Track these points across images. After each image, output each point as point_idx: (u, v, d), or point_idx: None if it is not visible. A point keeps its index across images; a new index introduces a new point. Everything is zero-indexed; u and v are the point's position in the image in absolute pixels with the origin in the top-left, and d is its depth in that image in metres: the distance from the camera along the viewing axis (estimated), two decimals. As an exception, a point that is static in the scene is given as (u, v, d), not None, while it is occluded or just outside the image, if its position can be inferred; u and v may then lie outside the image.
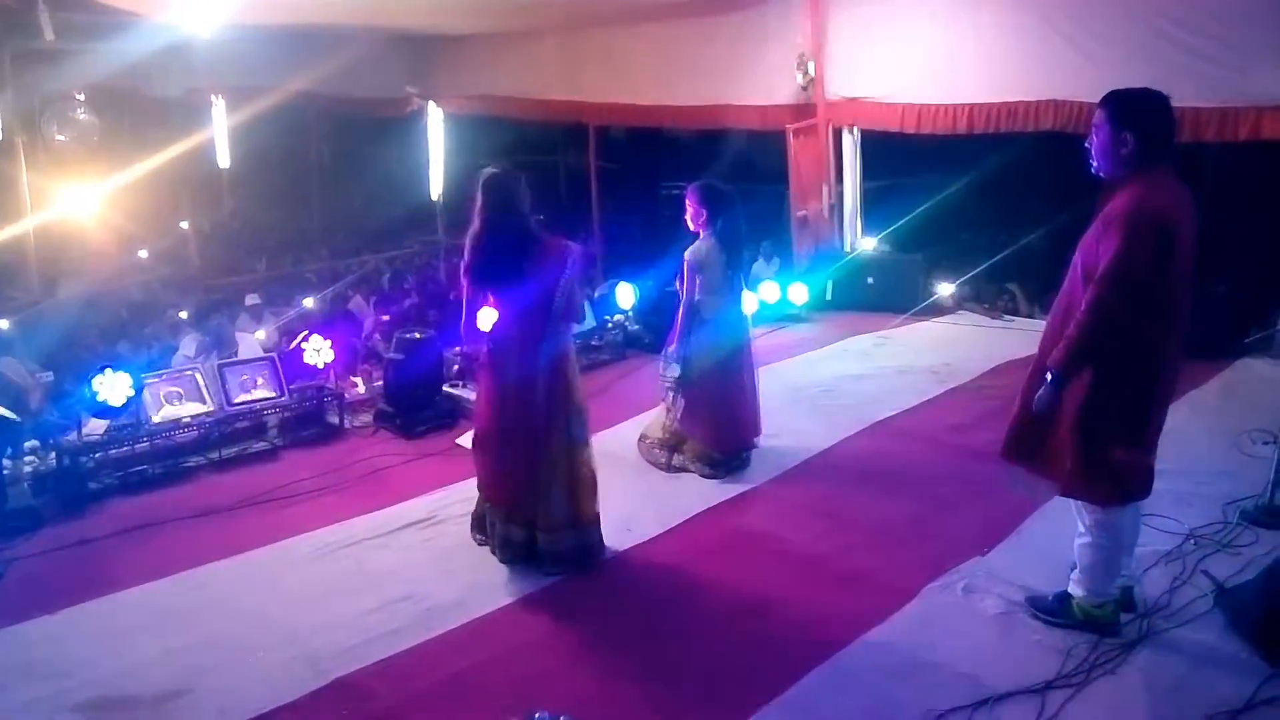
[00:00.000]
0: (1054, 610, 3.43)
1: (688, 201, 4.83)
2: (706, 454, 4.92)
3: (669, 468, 4.96)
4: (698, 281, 4.79)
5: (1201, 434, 5.10)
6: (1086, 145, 3.12)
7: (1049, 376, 3.06)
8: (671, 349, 4.90)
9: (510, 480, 3.99)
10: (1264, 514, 4.18)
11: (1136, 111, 2.99)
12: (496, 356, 3.93)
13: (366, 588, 3.90)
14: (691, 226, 4.86)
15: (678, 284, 5.03)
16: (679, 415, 4.92)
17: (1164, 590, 3.62)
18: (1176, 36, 6.40)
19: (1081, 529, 3.27)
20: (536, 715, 1.10)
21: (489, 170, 3.89)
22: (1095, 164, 3.10)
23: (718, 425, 4.92)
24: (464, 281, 3.96)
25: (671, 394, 4.93)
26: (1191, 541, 4.01)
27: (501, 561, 4.04)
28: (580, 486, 4.01)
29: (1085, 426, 3.09)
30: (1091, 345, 2.98)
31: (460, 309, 4.12)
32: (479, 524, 4.22)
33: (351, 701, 3.18)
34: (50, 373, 6.25)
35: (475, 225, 3.84)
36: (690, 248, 4.82)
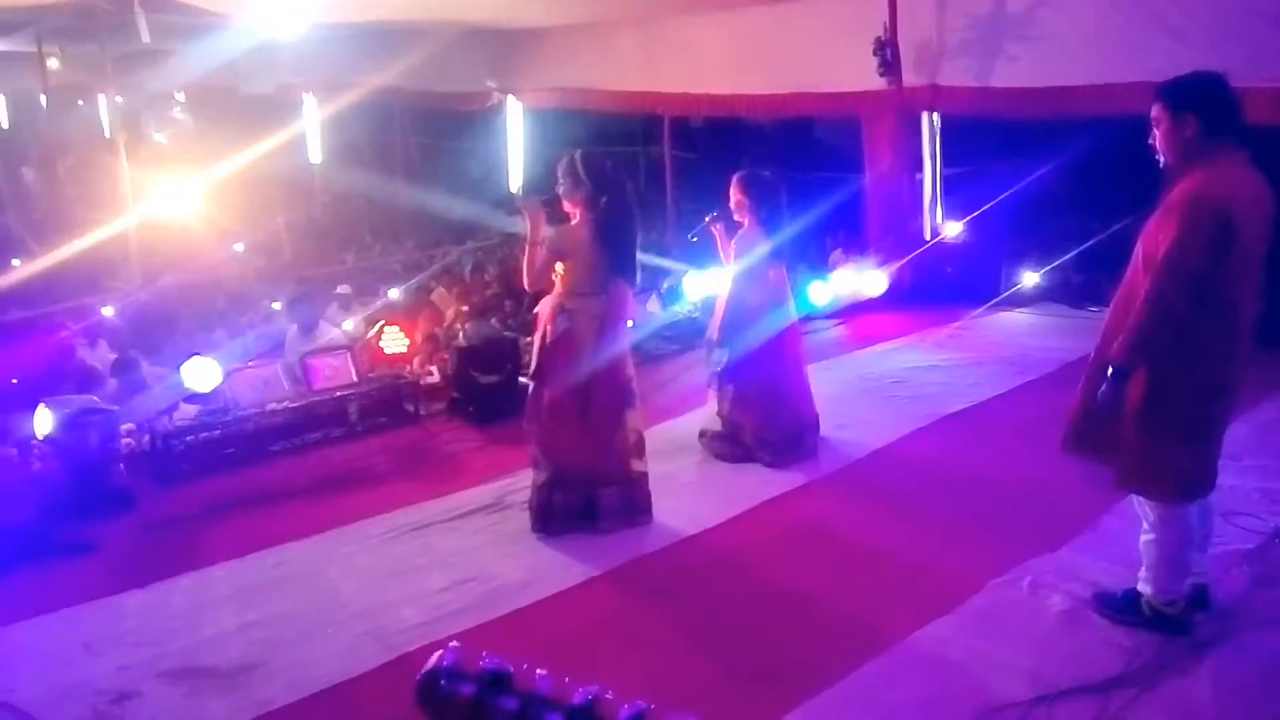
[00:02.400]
0: (1122, 608, 3.34)
1: (732, 191, 4.86)
2: (761, 437, 4.92)
3: (733, 458, 4.97)
4: (741, 269, 4.83)
5: (1292, 429, 4.88)
6: (1150, 142, 3.04)
7: (1110, 371, 2.99)
8: (713, 336, 4.95)
9: (588, 442, 4.18)
10: (1356, 513, 3.99)
11: (1193, 93, 2.93)
12: (594, 327, 4.13)
13: (435, 568, 4.04)
14: (735, 216, 4.89)
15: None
16: (729, 402, 4.94)
17: (1243, 590, 3.50)
18: (1268, 12, 6.08)
19: (1145, 525, 3.19)
20: (451, 644, 1.19)
21: (592, 151, 4.20)
22: (1161, 157, 3.02)
23: (768, 408, 4.94)
24: (568, 245, 4.10)
25: (718, 381, 4.95)
26: (1277, 540, 3.84)
27: (550, 534, 4.20)
28: (630, 446, 4.28)
29: (1143, 422, 3.01)
30: (1152, 338, 2.90)
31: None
32: (528, 504, 4.34)
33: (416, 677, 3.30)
34: (147, 359, 6.57)
35: (602, 201, 4.06)
36: (735, 236, 4.85)
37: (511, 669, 1.24)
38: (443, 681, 1.21)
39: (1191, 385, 2.98)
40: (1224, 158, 2.90)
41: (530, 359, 4.38)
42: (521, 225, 4.26)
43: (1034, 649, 3.25)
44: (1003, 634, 3.36)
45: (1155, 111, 3.00)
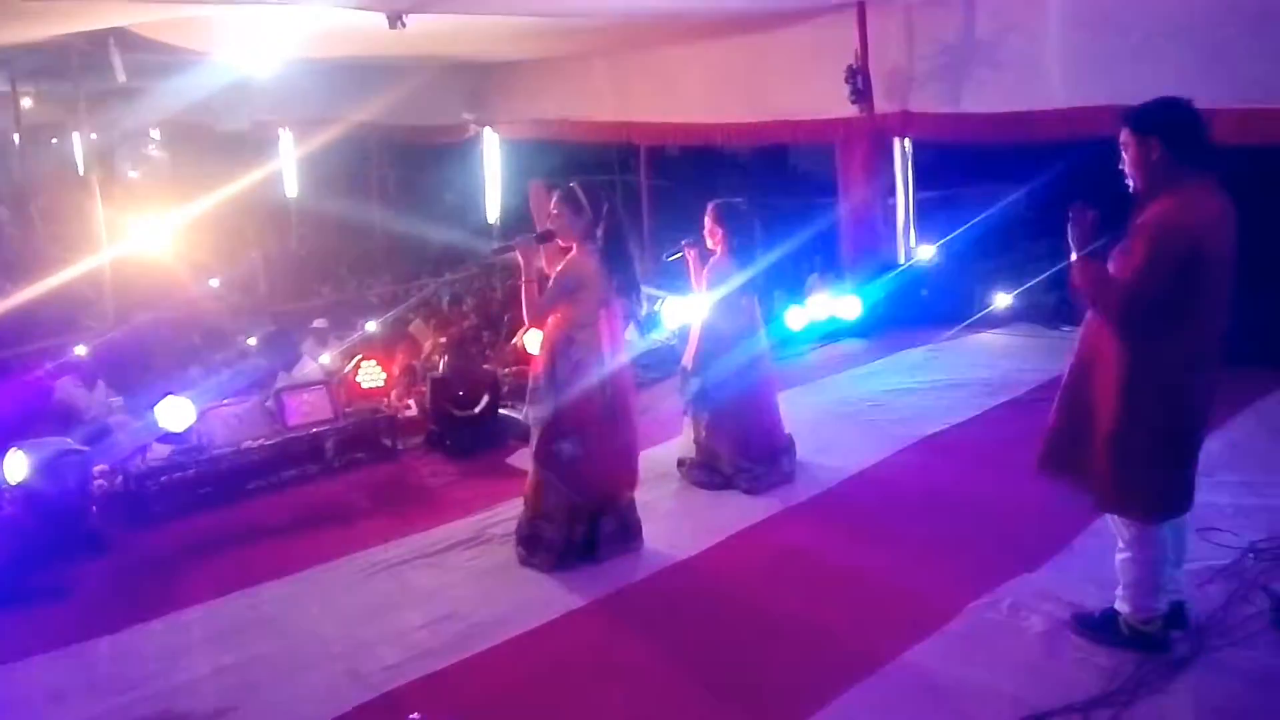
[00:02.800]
0: (1100, 627, 3.35)
1: (705, 219, 4.91)
2: (737, 464, 4.94)
3: (712, 486, 4.97)
4: (714, 297, 4.88)
5: (1266, 444, 4.93)
6: (1120, 168, 3.11)
7: (1076, 257, 3.11)
8: (687, 365, 4.98)
9: (618, 465, 4.26)
10: (1330, 527, 4.03)
11: (1157, 118, 3.00)
12: (600, 353, 4.14)
13: (412, 605, 3.99)
14: (709, 244, 4.94)
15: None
16: (705, 430, 4.96)
17: (1219, 607, 3.52)
18: (1239, 39, 6.19)
19: (1121, 544, 3.21)
20: (413, 715, 1.16)
21: (586, 180, 4.30)
22: (1131, 183, 3.08)
23: (741, 434, 4.96)
24: (575, 281, 4.08)
25: (693, 409, 4.97)
26: (1251, 556, 3.87)
27: (552, 570, 4.15)
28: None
29: (1117, 444, 3.05)
30: (1103, 310, 3.04)
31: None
32: (532, 542, 4.25)
33: (396, 716, 3.25)
34: (120, 397, 6.50)
35: (601, 229, 4.09)
36: (708, 264, 4.89)
37: None
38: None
39: (1165, 409, 3.03)
40: (1190, 182, 2.96)
41: (532, 392, 4.25)
42: (513, 262, 4.17)
43: (1014, 671, 3.25)
44: (983, 656, 3.36)
45: (1123, 136, 3.07)
